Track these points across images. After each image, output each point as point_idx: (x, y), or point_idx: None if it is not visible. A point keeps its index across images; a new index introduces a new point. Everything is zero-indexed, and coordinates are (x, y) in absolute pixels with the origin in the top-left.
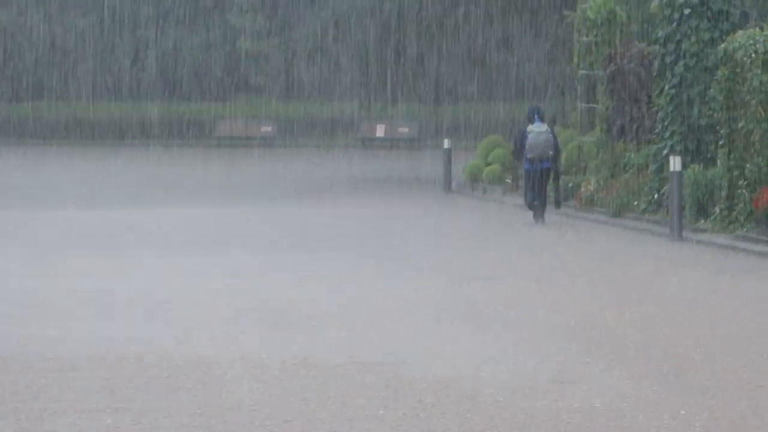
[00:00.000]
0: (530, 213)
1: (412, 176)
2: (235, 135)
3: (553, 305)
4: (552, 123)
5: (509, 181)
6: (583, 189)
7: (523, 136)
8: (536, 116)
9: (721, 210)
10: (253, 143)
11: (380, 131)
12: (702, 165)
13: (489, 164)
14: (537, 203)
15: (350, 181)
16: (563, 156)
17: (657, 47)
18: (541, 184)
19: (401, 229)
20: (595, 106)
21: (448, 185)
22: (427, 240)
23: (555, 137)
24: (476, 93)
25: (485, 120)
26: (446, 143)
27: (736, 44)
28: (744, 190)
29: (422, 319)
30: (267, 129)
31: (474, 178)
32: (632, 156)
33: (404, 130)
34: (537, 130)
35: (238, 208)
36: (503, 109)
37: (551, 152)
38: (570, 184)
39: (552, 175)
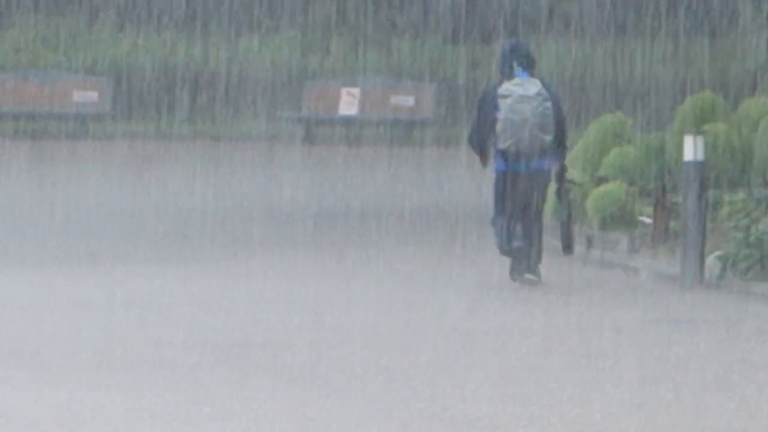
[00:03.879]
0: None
1: (421, 209)
2: (16, 108)
3: None
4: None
5: (645, 219)
6: None
7: (491, 104)
8: (516, 63)
9: None
10: (54, 126)
11: (349, 103)
12: None
13: (600, 181)
14: (521, 244)
15: (270, 221)
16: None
17: None
18: (531, 204)
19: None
20: None
21: None
22: None
23: (558, 105)
24: (572, 22)
25: (596, 79)
26: None
27: None
28: None
29: None
30: (87, 96)
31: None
32: None
33: (404, 100)
34: (519, 92)
35: None
36: (642, 58)
37: (548, 137)
38: None
39: (557, 185)
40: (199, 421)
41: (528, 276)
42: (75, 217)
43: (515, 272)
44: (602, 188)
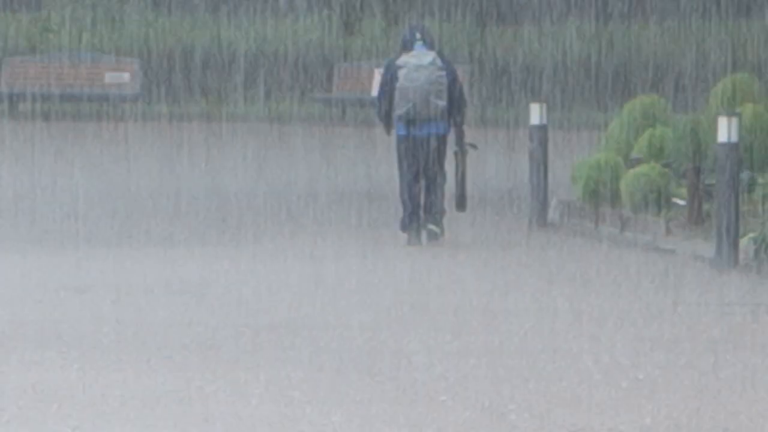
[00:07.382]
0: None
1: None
2: (39, 88)
3: None
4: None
5: (679, 200)
6: None
7: (392, 75)
8: (416, 39)
9: None
10: (85, 107)
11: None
12: None
13: (634, 162)
14: (422, 209)
15: (287, 200)
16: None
17: None
18: (431, 164)
19: None
20: None
21: (540, 211)
22: None
23: (453, 74)
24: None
25: (630, 60)
26: (534, 113)
27: None
28: None
29: None
30: (118, 77)
31: (598, 195)
32: None
33: None
34: (413, 62)
35: None
36: (677, 39)
37: (441, 102)
38: None
39: (455, 148)
40: (242, 402)
41: (431, 226)
42: (101, 198)
43: (411, 236)
44: (636, 170)
